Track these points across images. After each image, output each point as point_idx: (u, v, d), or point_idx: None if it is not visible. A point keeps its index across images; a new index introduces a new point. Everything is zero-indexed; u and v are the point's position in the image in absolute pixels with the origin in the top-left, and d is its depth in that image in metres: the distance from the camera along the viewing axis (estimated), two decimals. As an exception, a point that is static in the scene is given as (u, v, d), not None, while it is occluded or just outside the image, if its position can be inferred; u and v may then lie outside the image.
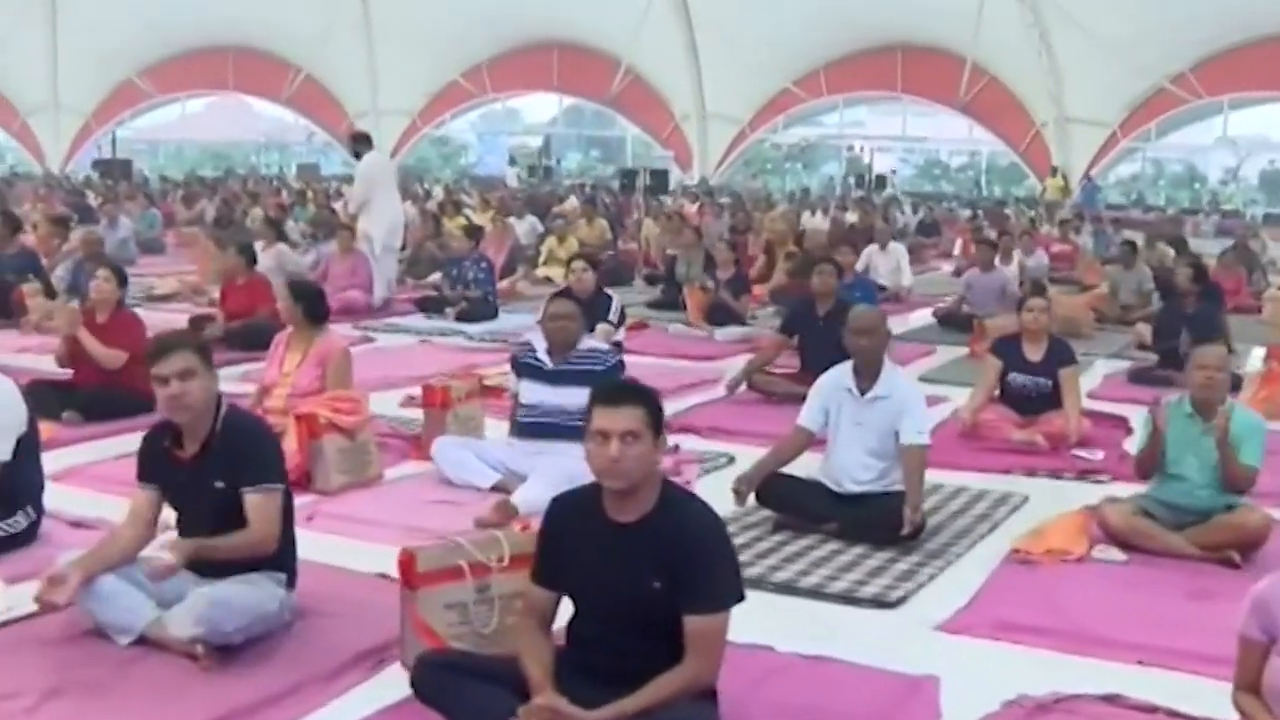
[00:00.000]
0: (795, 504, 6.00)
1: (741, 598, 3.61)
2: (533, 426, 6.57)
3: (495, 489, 6.36)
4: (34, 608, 4.36)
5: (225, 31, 39.78)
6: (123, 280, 8.04)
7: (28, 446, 5.31)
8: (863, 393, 6.01)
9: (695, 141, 41.14)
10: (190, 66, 40.79)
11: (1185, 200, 39.00)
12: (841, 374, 6.12)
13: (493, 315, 12.48)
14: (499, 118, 46.63)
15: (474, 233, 13.77)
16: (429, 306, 12.76)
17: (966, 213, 28.82)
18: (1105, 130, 36.54)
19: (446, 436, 6.78)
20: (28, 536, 5.32)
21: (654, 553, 3.53)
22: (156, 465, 4.49)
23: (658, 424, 3.61)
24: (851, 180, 39.04)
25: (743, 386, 8.95)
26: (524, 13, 39.25)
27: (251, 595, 4.31)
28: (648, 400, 3.62)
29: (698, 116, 40.85)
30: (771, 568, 5.41)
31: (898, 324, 11.98)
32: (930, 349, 11.69)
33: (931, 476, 6.23)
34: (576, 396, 6.45)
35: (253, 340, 10.12)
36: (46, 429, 6.90)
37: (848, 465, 6.01)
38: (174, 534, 4.55)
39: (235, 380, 9.11)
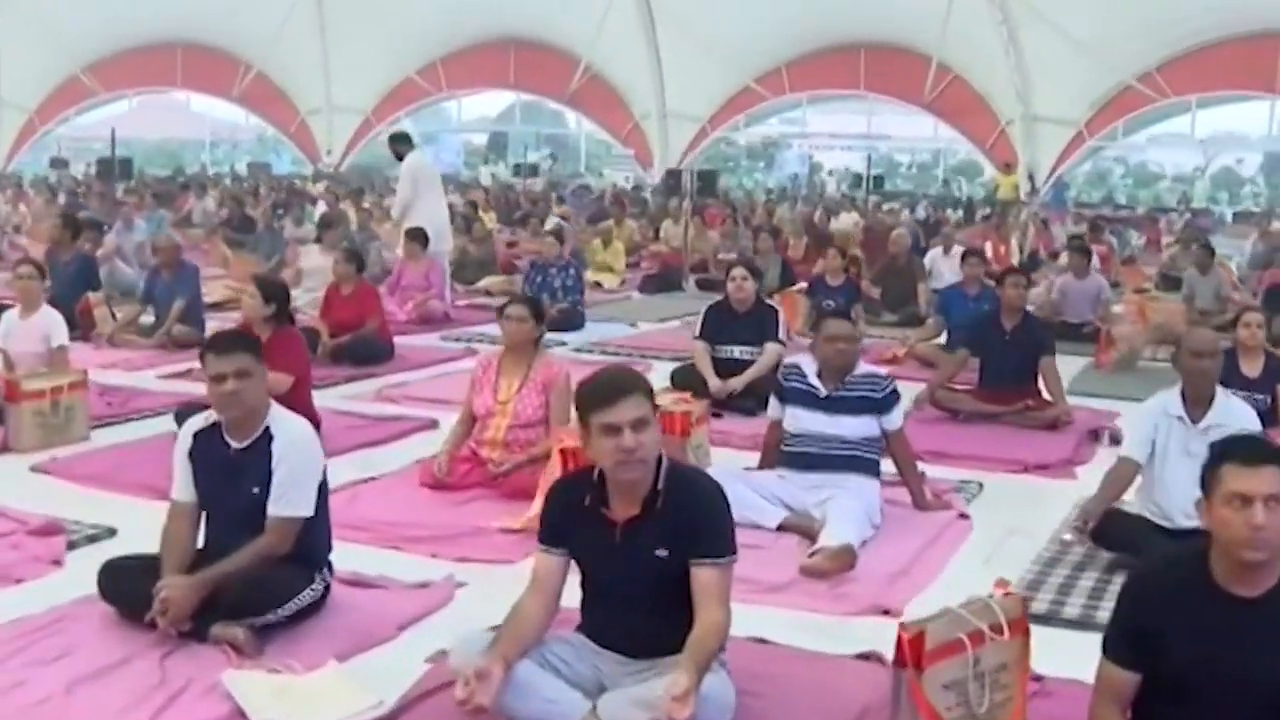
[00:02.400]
0: (1130, 542, 5.51)
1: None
2: (807, 458, 6.01)
3: (782, 528, 5.79)
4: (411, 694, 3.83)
5: (174, 28, 38.41)
6: (269, 297, 7.28)
7: (322, 496, 4.65)
8: (1194, 420, 5.55)
9: (656, 140, 40.58)
10: (138, 63, 39.30)
11: (1151, 198, 39.20)
12: (1168, 401, 5.67)
13: (581, 324, 11.86)
14: (435, 117, 45.37)
15: (562, 239, 13.08)
16: (510, 316, 12.09)
17: (956, 213, 28.53)
18: (1072, 129, 36.49)
19: (723, 470, 6.17)
20: (324, 602, 4.61)
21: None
22: (572, 525, 3.85)
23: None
24: (816, 180, 38.68)
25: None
26: (481, 9, 38.40)
27: (728, 689, 3.72)
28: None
29: (658, 115, 40.28)
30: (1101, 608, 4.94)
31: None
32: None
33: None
34: (854, 425, 6.01)
35: (363, 354, 9.59)
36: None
37: (1178, 498, 5.52)
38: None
39: (364, 399, 8.55)
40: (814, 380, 6.10)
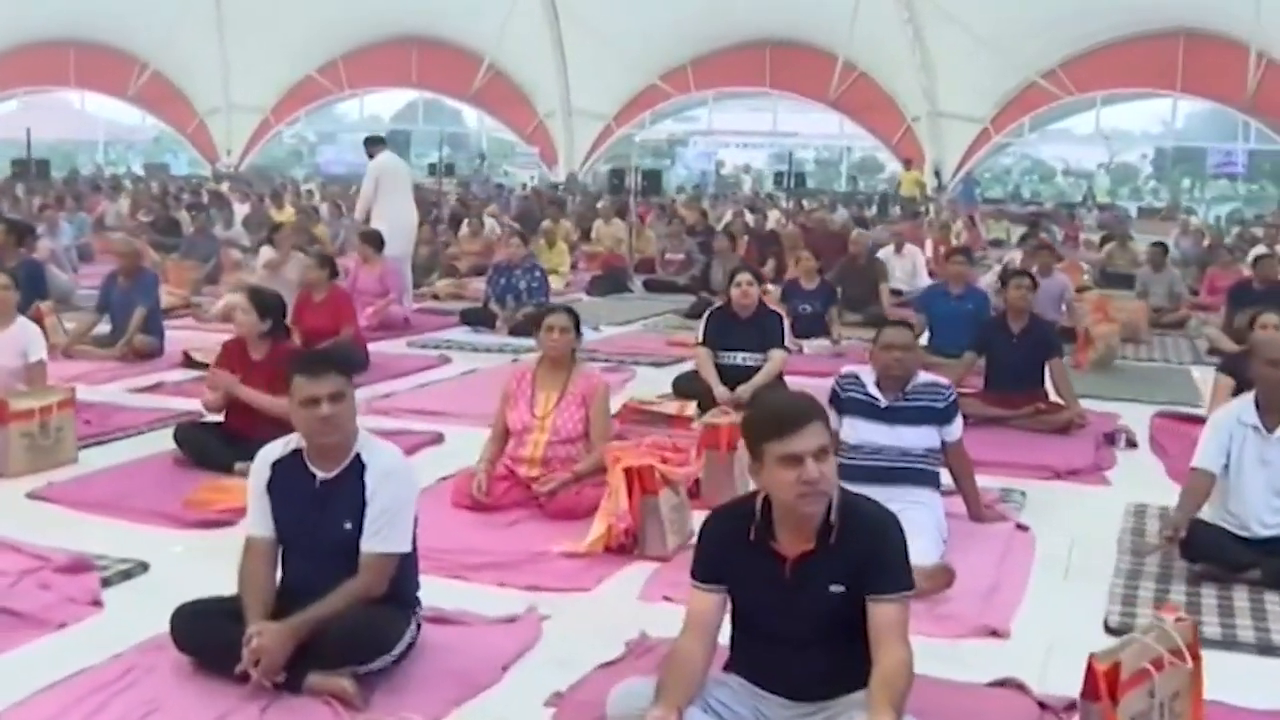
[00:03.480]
0: (1213, 553, 5.37)
1: None
2: (868, 470, 5.73)
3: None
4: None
5: (67, 25, 37.23)
6: (264, 310, 6.85)
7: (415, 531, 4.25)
8: (1270, 429, 5.44)
9: (560, 138, 40.27)
10: (29, 61, 38.09)
11: (1053, 194, 39.74)
12: (1241, 409, 5.55)
13: (548, 330, 11.47)
14: (329, 117, 44.42)
15: (527, 240, 12.70)
16: (475, 319, 11.70)
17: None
18: (977, 125, 36.86)
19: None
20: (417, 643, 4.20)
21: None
22: (733, 560, 3.51)
23: None
24: (733, 179, 38.60)
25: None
26: (382, 8, 37.81)
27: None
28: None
29: (563, 113, 39.99)
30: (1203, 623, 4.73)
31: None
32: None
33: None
34: (916, 436, 5.79)
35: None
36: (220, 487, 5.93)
37: (1254, 507, 5.45)
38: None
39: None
40: (873, 390, 5.86)
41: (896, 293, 13.96)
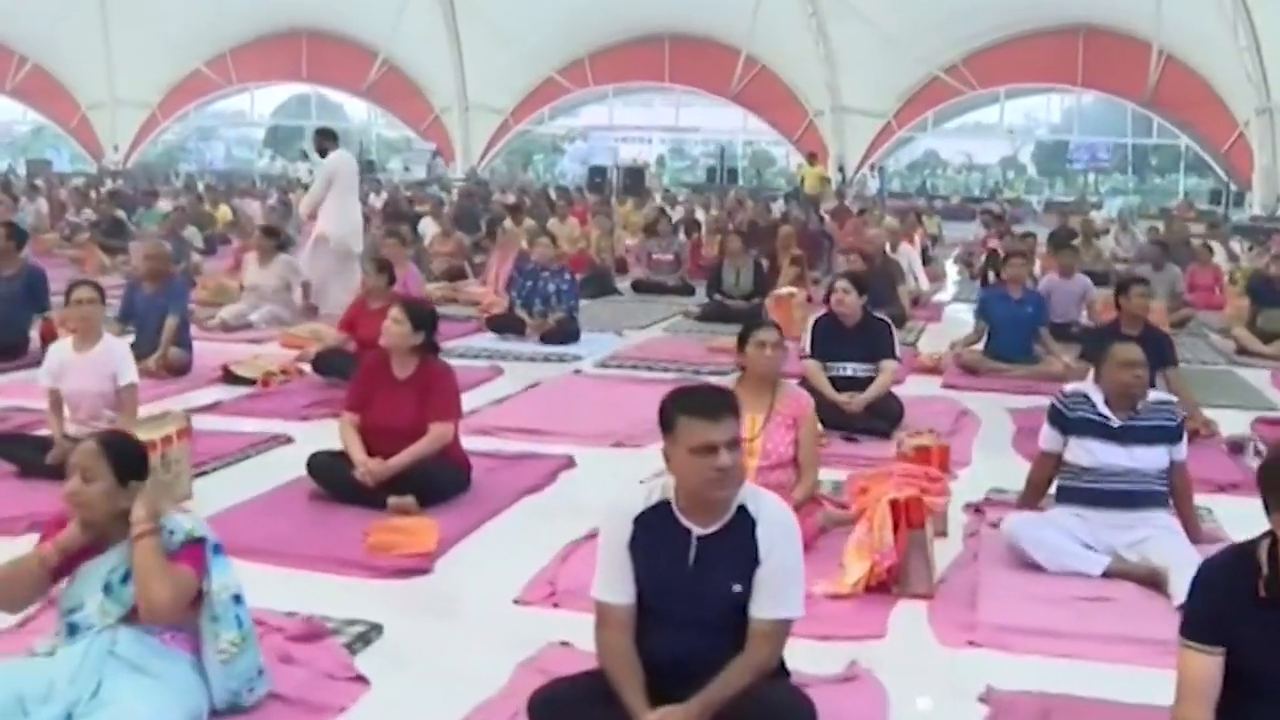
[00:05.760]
0: None
1: None
2: (1105, 494, 5.39)
3: (1107, 575, 5.16)
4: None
5: (-62, 17, 35.55)
6: (418, 323, 6.23)
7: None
8: None
9: (458, 133, 39.55)
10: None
11: (972, 188, 40.17)
12: None
13: (577, 336, 10.95)
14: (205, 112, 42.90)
15: (556, 241, 12.11)
16: (502, 326, 11.09)
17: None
18: (880, 120, 37.06)
19: (1018, 514, 5.49)
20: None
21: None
22: (1237, 618, 3.12)
23: None
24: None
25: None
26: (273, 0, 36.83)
27: None
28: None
29: (459, 108, 39.31)
30: None
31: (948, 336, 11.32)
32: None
33: None
34: (1150, 457, 5.45)
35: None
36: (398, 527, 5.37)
37: None
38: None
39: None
40: (1104, 409, 5.48)
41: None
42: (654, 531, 3.52)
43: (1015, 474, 6.83)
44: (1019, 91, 36.41)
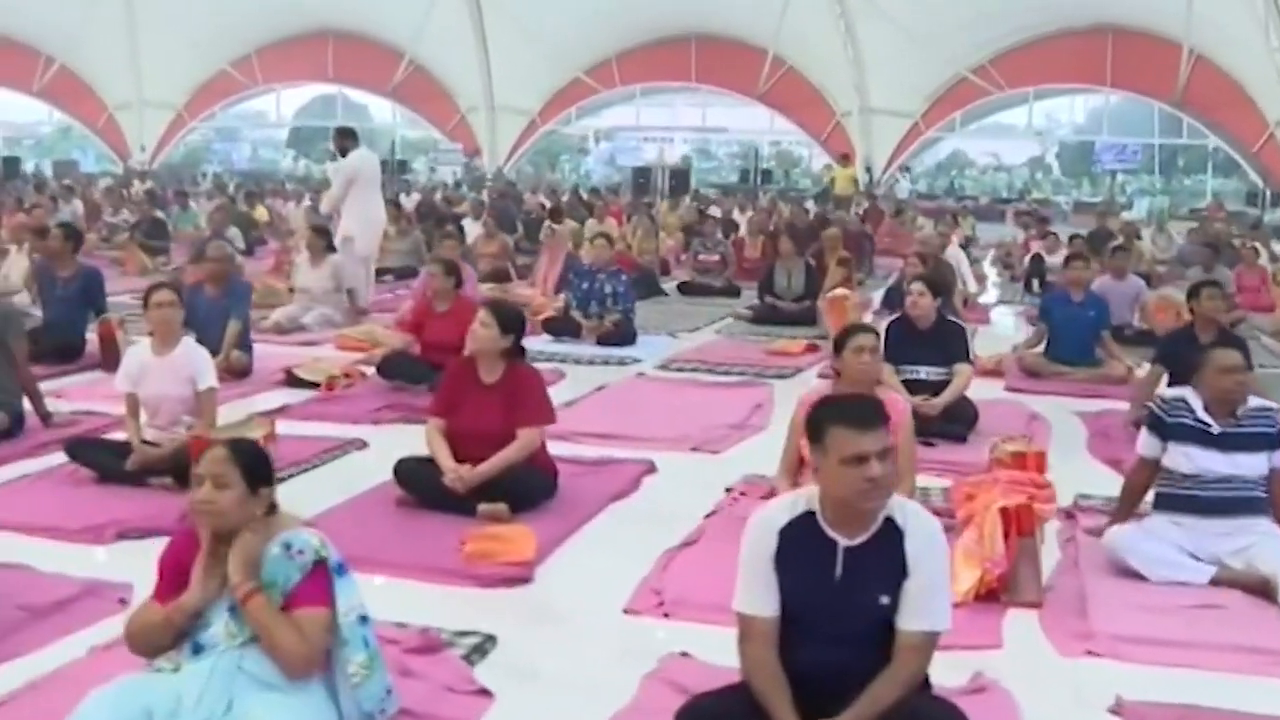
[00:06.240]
0: None
1: None
2: (1206, 502, 5.32)
3: (1215, 583, 5.10)
4: None
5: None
6: (507, 326, 6.14)
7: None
8: None
9: (484, 133, 39.51)
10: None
11: (999, 189, 40.05)
12: None
13: (634, 339, 10.90)
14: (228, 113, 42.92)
15: (613, 242, 12.05)
16: (558, 329, 11.03)
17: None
18: (908, 120, 36.91)
19: (1119, 528, 5.42)
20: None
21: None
22: None
23: None
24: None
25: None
26: (299, 1, 36.81)
27: None
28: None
29: (486, 108, 39.26)
30: None
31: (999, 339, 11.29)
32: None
33: None
34: (1251, 463, 5.37)
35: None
36: (495, 535, 5.32)
37: None
38: None
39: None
40: (1203, 415, 5.40)
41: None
42: (799, 543, 3.46)
43: (1096, 478, 6.84)
44: (1048, 92, 36.21)
